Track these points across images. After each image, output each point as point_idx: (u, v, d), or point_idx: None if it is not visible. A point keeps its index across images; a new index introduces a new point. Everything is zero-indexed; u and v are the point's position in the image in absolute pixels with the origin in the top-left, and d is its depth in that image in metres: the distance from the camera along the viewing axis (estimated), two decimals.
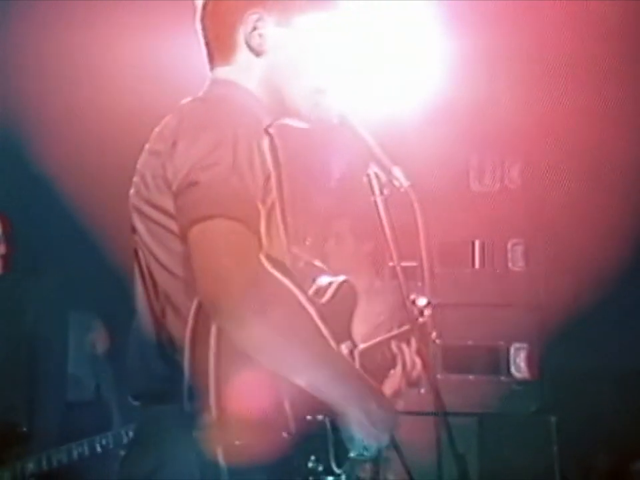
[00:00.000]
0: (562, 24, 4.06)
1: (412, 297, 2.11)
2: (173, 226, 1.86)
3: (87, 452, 3.73)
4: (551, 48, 4.12)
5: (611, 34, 4.06)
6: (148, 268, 1.95)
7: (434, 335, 2.16)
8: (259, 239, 1.80)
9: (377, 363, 2.11)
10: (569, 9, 4.00)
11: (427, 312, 2.13)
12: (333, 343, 1.85)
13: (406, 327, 2.18)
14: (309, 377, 1.82)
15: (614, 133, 4.21)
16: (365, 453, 1.92)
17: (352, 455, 1.91)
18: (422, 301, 2.12)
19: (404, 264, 2.09)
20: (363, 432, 1.88)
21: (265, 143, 1.91)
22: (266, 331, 1.75)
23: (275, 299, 1.77)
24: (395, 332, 2.19)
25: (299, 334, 1.81)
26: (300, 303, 1.82)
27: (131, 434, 3.65)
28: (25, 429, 3.78)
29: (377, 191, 2.11)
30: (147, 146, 1.98)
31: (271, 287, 1.77)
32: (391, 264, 2.16)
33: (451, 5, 4.01)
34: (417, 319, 2.12)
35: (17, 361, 3.98)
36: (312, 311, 1.85)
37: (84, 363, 4.97)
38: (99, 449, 3.74)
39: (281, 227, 1.94)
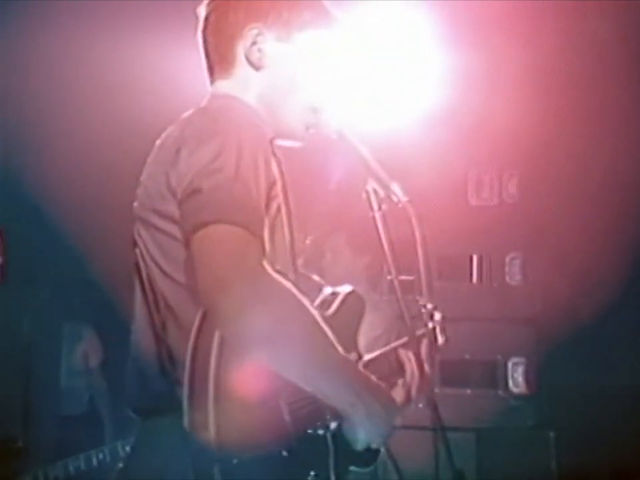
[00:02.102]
0: (560, 39, 4.07)
1: (420, 302, 2.10)
2: (177, 233, 1.86)
3: (83, 466, 3.71)
4: (549, 63, 4.13)
5: (607, 50, 4.07)
6: (149, 279, 1.94)
7: (444, 338, 2.14)
8: (262, 244, 1.80)
9: (382, 373, 2.09)
10: (567, 26, 4.01)
11: (437, 316, 2.12)
12: (337, 345, 1.84)
13: (415, 334, 2.16)
14: (312, 379, 1.81)
15: (613, 147, 4.22)
16: (372, 445, 1.93)
17: (358, 448, 1.91)
18: (430, 305, 2.12)
19: (402, 278, 2.08)
20: (365, 432, 1.89)
21: (269, 150, 1.91)
22: (266, 333, 1.74)
23: (276, 302, 1.76)
24: (403, 340, 2.17)
25: (301, 335, 1.79)
26: (303, 305, 1.81)
27: (127, 448, 3.62)
28: (20, 444, 3.76)
29: (375, 207, 2.11)
30: (149, 158, 1.98)
31: (272, 290, 1.76)
32: (389, 277, 2.15)
33: (449, 20, 4.02)
34: (426, 324, 2.12)
35: (12, 373, 3.97)
36: (315, 313, 1.83)
37: (77, 375, 4.96)
38: (95, 463, 3.72)
39: (287, 233, 1.94)
